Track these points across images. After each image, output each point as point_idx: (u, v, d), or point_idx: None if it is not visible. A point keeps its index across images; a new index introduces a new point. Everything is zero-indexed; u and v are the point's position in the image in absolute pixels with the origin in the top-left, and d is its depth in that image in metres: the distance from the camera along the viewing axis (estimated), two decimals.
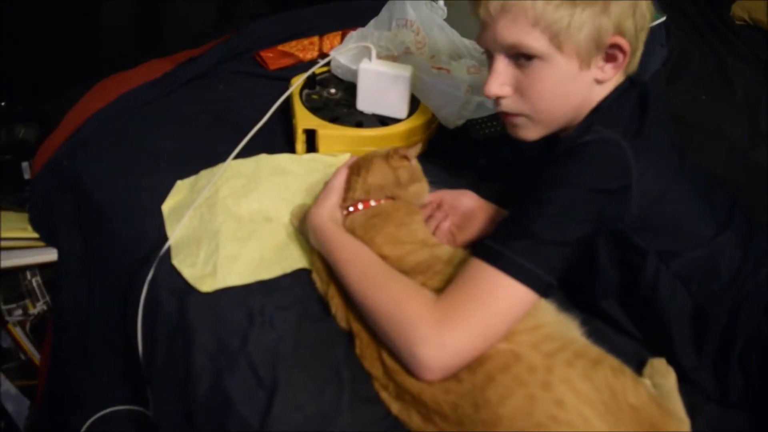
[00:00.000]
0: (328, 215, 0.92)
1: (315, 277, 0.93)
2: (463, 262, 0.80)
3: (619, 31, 0.81)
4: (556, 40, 0.80)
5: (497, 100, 0.88)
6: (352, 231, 0.91)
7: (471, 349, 0.74)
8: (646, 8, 0.84)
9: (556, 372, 0.73)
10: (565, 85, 0.84)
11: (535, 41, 0.81)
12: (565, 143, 0.84)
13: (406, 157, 0.95)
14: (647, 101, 0.84)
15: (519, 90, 0.85)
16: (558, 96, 0.85)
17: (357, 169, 0.96)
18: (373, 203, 0.93)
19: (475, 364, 0.74)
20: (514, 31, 0.81)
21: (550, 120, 0.87)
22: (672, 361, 0.86)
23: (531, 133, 0.89)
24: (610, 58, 0.83)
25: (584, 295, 0.92)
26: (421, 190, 0.97)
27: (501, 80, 0.85)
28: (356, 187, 0.94)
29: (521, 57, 0.83)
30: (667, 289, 0.84)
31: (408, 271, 0.84)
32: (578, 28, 0.79)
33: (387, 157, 0.95)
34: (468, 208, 1.00)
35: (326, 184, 0.97)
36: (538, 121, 0.87)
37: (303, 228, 0.97)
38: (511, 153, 1.19)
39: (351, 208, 0.93)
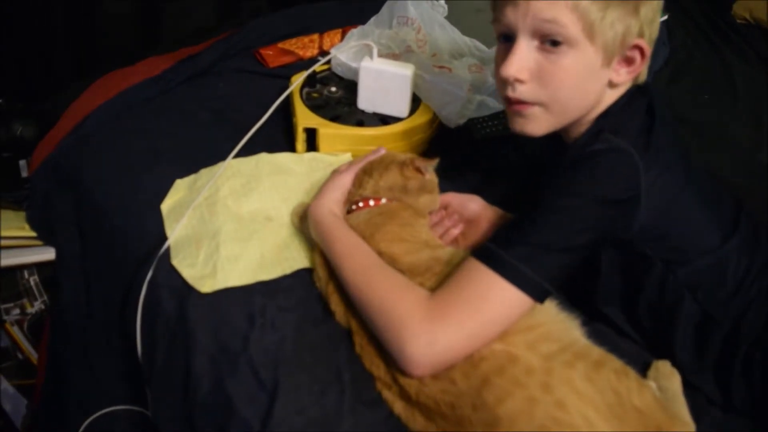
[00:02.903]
0: (329, 209, 0.92)
1: (315, 273, 0.92)
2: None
3: (641, 35, 0.81)
4: (589, 30, 0.78)
5: (512, 85, 0.83)
6: (355, 227, 0.90)
7: (460, 348, 0.74)
8: (658, 21, 0.84)
9: (556, 373, 0.72)
10: (587, 78, 0.82)
11: (571, 23, 0.78)
12: (574, 150, 0.83)
13: (419, 170, 0.94)
14: (655, 110, 0.83)
15: (539, 77, 0.81)
16: (578, 88, 0.82)
17: (370, 170, 0.95)
18: (384, 201, 0.92)
19: (468, 367, 0.74)
20: (554, 8, 0.78)
21: (564, 113, 0.84)
22: (673, 365, 0.85)
23: (539, 126, 0.85)
24: (627, 61, 0.82)
25: (585, 300, 0.91)
26: (430, 201, 0.95)
27: (521, 62, 0.81)
28: (366, 186, 0.93)
29: (549, 40, 0.79)
30: (673, 296, 0.83)
31: (404, 271, 0.83)
32: (610, 24, 0.78)
33: (402, 165, 0.94)
34: (474, 213, 0.98)
35: (331, 179, 0.96)
36: (552, 112, 0.84)
37: (304, 227, 0.97)
38: (513, 152, 1.19)
39: (361, 204, 0.93)
